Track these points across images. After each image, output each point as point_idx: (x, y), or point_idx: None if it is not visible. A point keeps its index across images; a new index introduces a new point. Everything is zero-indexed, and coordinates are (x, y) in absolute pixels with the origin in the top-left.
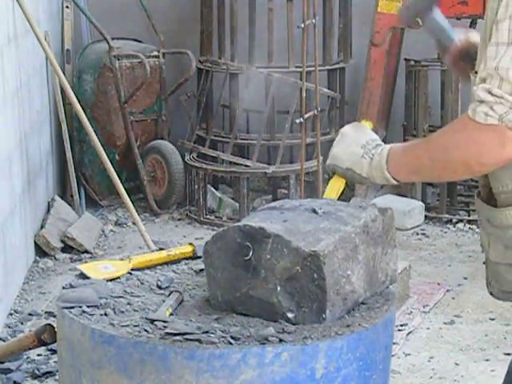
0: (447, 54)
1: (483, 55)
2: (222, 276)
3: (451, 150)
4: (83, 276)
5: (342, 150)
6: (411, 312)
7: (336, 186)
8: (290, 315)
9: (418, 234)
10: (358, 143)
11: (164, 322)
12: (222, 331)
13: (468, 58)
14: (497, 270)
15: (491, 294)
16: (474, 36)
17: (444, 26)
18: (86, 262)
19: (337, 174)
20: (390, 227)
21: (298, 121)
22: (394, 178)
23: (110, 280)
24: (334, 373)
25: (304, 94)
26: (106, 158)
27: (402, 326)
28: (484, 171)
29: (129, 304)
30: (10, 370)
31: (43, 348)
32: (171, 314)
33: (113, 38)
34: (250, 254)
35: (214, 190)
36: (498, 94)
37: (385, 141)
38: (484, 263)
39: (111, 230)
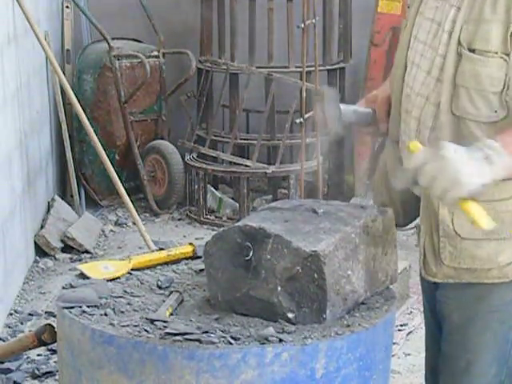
0: (377, 119)
1: (491, 33)
2: (222, 276)
3: None
4: (83, 276)
5: (468, 173)
6: (411, 312)
7: (481, 211)
8: (290, 315)
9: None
10: (468, 158)
11: (164, 321)
12: (222, 331)
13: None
14: (463, 247)
15: (430, 275)
16: (378, 91)
17: (356, 109)
18: (86, 262)
19: (469, 201)
20: (389, 227)
21: (298, 121)
22: None
23: (110, 280)
24: (333, 373)
25: (304, 94)
26: (106, 158)
27: (402, 326)
28: None
29: (129, 304)
30: (9, 370)
31: (43, 348)
32: (171, 314)
33: (113, 38)
34: (251, 254)
35: (213, 190)
36: None
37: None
38: (417, 244)
39: (111, 230)
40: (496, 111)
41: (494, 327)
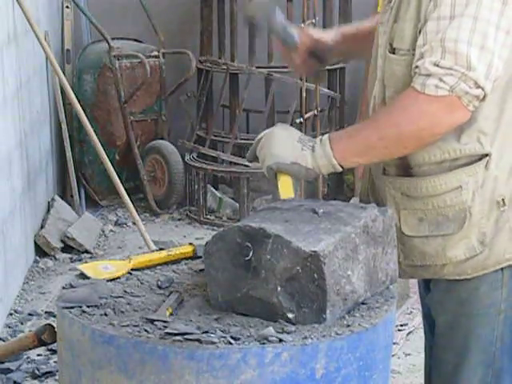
0: (294, 54)
1: (405, 31)
2: (222, 276)
3: (404, 126)
4: (83, 276)
5: (281, 147)
6: (411, 312)
7: (287, 183)
8: (290, 315)
9: None
10: (292, 138)
11: (164, 321)
12: (222, 331)
13: (315, 55)
14: (412, 244)
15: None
16: (315, 32)
17: (286, 25)
18: (86, 262)
19: (281, 172)
20: (389, 227)
21: (298, 121)
22: (340, 165)
23: (110, 280)
24: (334, 373)
25: (304, 94)
26: (106, 158)
27: (401, 326)
28: (433, 141)
29: (129, 304)
30: (9, 370)
31: (43, 348)
32: (171, 314)
33: (113, 38)
34: (250, 254)
35: (213, 190)
36: (446, 65)
37: None
38: None
39: (111, 230)
40: None
41: (476, 330)
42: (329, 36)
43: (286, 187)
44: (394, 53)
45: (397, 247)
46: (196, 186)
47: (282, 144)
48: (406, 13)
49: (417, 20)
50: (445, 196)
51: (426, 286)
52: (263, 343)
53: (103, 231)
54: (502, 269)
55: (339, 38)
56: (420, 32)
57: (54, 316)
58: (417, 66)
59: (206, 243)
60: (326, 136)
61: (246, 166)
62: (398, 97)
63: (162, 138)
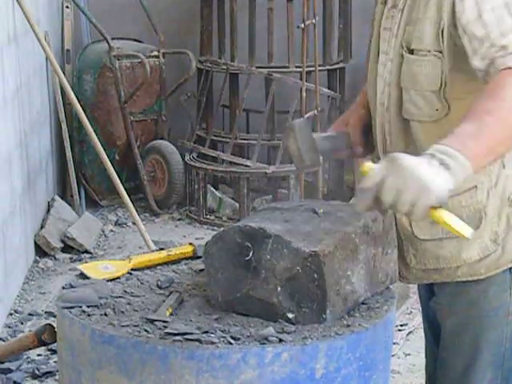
0: (353, 152)
1: (424, 32)
2: (223, 276)
3: None
4: (83, 276)
5: (429, 178)
6: (411, 312)
7: (457, 219)
8: (290, 315)
9: None
10: (424, 164)
11: (164, 321)
12: (222, 331)
13: (365, 136)
14: (425, 248)
15: (404, 278)
16: (345, 123)
17: (330, 136)
18: (86, 262)
19: (439, 209)
20: (389, 227)
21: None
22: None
23: (110, 280)
24: (334, 373)
25: (304, 94)
26: (106, 158)
27: (401, 326)
28: None
29: (129, 304)
30: (10, 370)
31: (43, 348)
32: (171, 314)
33: (113, 38)
34: (250, 254)
35: (213, 190)
36: None
37: None
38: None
39: (111, 230)
40: (437, 109)
41: (486, 332)
42: (357, 116)
43: (461, 223)
44: (412, 53)
45: (408, 252)
46: (196, 186)
47: (430, 174)
48: (423, 14)
49: (438, 20)
50: (460, 197)
51: (429, 289)
52: (263, 343)
53: (103, 231)
54: (510, 269)
55: (363, 113)
56: (442, 32)
57: (54, 316)
58: (503, 46)
59: (206, 243)
60: (445, 148)
61: (246, 166)
62: (493, 83)
63: (162, 138)
